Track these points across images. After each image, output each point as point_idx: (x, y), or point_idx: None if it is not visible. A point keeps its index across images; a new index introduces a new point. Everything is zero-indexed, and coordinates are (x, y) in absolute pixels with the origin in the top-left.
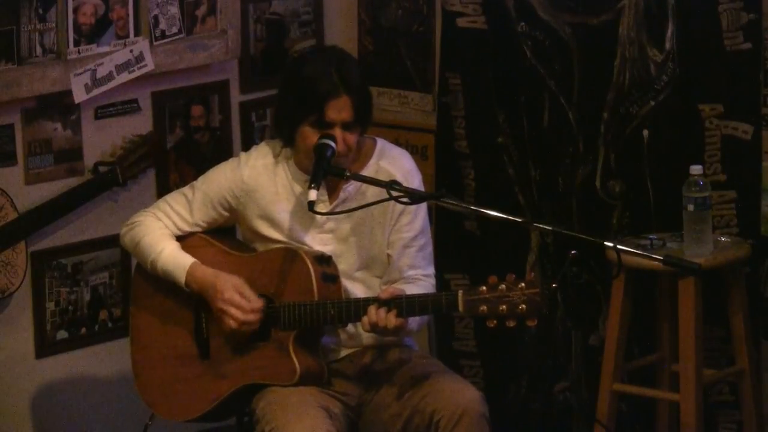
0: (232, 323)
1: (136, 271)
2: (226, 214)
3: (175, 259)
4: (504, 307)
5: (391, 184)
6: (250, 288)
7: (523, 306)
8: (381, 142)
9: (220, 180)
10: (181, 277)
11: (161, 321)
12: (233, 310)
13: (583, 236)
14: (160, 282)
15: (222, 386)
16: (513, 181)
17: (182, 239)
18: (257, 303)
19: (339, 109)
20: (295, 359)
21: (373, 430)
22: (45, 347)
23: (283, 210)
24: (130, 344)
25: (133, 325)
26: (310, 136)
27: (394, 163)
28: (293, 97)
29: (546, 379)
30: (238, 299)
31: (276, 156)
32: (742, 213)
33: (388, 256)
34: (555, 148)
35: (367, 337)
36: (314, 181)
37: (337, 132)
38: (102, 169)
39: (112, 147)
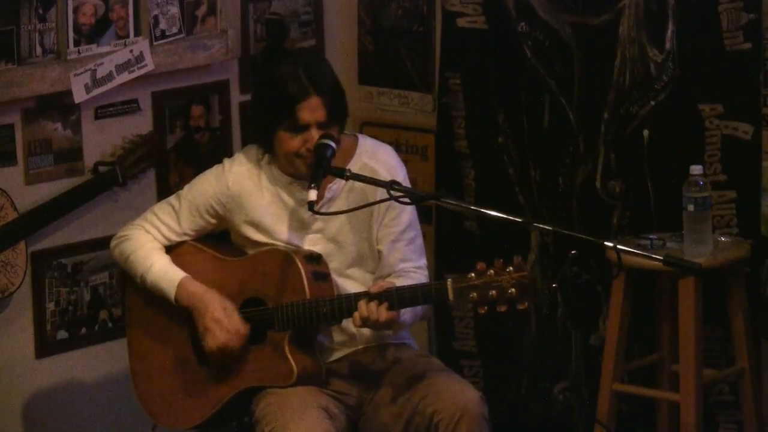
0: (213, 345)
1: (129, 281)
2: (213, 221)
3: (165, 274)
4: (494, 292)
5: (391, 185)
6: (243, 293)
7: (513, 290)
8: (362, 138)
9: (206, 188)
10: (171, 293)
11: (158, 330)
12: (218, 331)
13: (583, 236)
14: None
15: (221, 391)
16: (513, 181)
17: (172, 248)
18: (243, 328)
19: (312, 110)
20: (291, 360)
21: (373, 429)
22: (45, 347)
23: (270, 213)
24: (128, 355)
25: (129, 336)
26: (287, 140)
27: (378, 158)
28: (265, 104)
29: (546, 379)
30: (225, 320)
31: (259, 160)
32: (742, 213)
33: (379, 251)
34: (555, 148)
35: (365, 337)
36: (314, 181)
37: (314, 133)
38: (102, 169)
39: (112, 147)
